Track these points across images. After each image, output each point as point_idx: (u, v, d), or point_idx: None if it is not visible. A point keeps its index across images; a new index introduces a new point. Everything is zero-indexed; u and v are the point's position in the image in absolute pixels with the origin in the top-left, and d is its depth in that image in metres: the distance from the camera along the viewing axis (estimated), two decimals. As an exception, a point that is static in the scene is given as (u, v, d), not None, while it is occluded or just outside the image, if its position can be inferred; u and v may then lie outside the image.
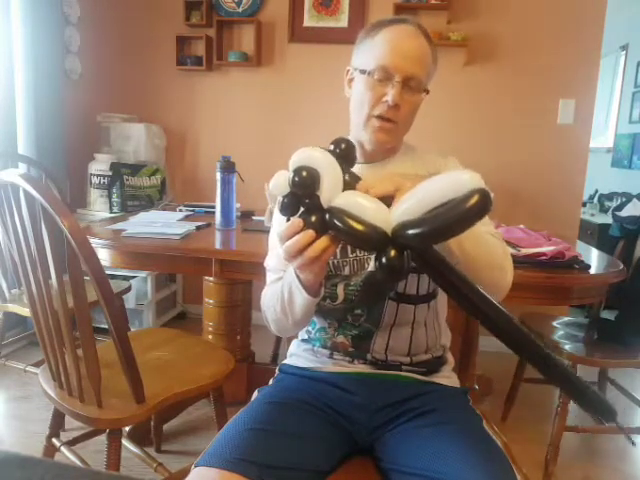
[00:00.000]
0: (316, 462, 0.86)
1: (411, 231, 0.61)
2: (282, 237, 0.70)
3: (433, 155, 1.07)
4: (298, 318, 0.90)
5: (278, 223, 1.04)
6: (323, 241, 0.68)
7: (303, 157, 0.68)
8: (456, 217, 0.58)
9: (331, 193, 0.66)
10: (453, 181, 0.60)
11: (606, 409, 0.66)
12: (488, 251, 0.84)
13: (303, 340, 1.08)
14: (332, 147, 0.72)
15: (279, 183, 0.69)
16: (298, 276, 0.83)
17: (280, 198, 0.69)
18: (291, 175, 0.67)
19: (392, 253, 0.62)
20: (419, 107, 1.00)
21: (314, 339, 1.04)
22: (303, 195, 0.68)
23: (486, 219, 0.89)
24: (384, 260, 0.63)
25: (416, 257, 0.65)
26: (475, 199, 0.57)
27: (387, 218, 0.64)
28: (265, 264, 1.06)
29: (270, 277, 1.03)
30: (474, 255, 0.80)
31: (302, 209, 0.69)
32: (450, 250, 0.78)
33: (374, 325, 0.98)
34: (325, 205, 0.67)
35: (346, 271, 0.98)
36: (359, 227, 0.63)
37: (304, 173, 0.66)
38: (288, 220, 0.71)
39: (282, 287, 0.89)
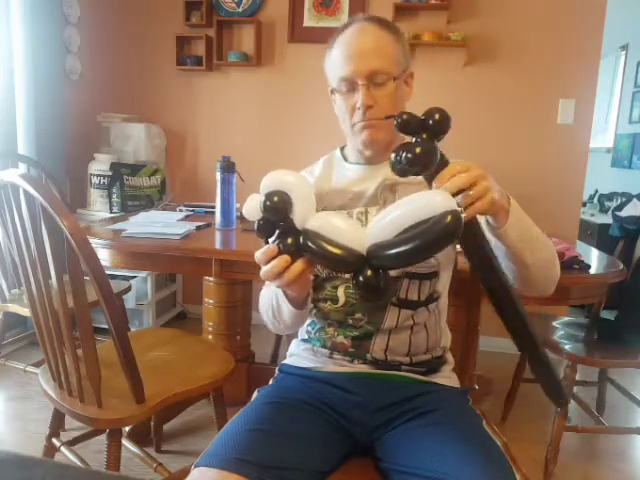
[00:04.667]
0: (316, 462, 0.86)
1: (387, 252, 0.62)
2: (259, 261, 0.71)
3: None
4: (289, 324, 0.95)
5: None
6: (299, 265, 0.68)
7: (274, 181, 0.68)
8: (431, 238, 0.59)
9: (304, 215, 0.67)
10: (426, 202, 0.61)
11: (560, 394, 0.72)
12: (549, 250, 0.90)
13: (303, 340, 1.08)
14: (424, 117, 0.72)
15: (251, 208, 0.69)
16: (283, 290, 0.85)
17: (255, 221, 0.70)
18: (262, 200, 0.68)
19: (369, 273, 0.63)
20: (404, 93, 0.99)
21: (314, 339, 1.04)
22: (276, 219, 0.68)
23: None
24: (361, 279, 0.63)
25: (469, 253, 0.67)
26: (448, 220, 0.58)
27: (361, 238, 0.64)
28: None
29: None
30: (542, 257, 0.87)
31: (277, 232, 0.69)
32: (524, 259, 0.83)
33: (375, 328, 0.98)
34: (299, 227, 0.67)
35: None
36: (333, 250, 0.64)
37: (275, 198, 0.67)
38: (266, 242, 0.71)
39: (272, 295, 0.92)
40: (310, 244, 0.65)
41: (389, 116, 0.76)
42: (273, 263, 0.69)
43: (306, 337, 1.07)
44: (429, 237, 0.59)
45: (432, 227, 0.59)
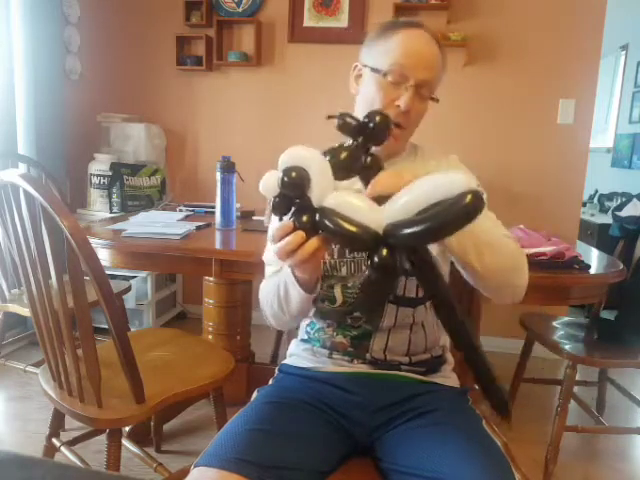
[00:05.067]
0: (316, 462, 0.86)
1: (404, 231, 0.60)
2: (274, 238, 0.70)
3: (437, 153, 1.06)
4: (294, 314, 0.92)
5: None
6: (313, 242, 0.67)
7: (292, 157, 0.67)
8: (449, 218, 0.58)
9: (321, 193, 0.65)
10: (446, 181, 0.59)
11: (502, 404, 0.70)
12: (506, 256, 0.85)
13: (302, 340, 1.08)
14: (365, 120, 0.70)
15: (269, 184, 0.68)
16: (294, 272, 0.83)
17: (271, 198, 0.69)
18: (280, 176, 0.66)
19: (384, 252, 0.62)
20: (423, 115, 1.00)
21: (313, 339, 1.04)
22: (293, 195, 0.67)
23: (494, 218, 0.91)
24: (376, 259, 0.62)
25: (411, 259, 0.65)
26: (468, 200, 0.57)
27: (378, 217, 0.63)
28: (263, 257, 1.07)
29: (268, 270, 1.04)
30: (494, 264, 0.81)
31: (293, 209, 0.68)
32: (471, 264, 0.79)
33: (373, 327, 0.98)
34: (316, 205, 0.66)
35: (343, 272, 0.98)
36: (349, 227, 0.62)
37: (293, 174, 0.65)
38: (281, 220, 0.70)
39: (279, 283, 0.91)
40: (326, 222, 0.64)
41: (330, 116, 0.75)
42: (288, 239, 0.68)
43: (305, 337, 1.07)
44: (448, 216, 0.58)
45: (451, 206, 0.57)
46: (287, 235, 0.68)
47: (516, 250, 0.87)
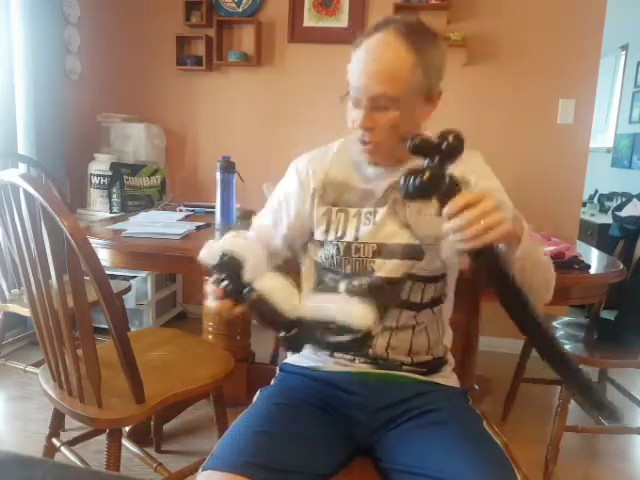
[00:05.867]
0: (319, 464, 0.86)
1: (312, 332, 0.75)
2: (207, 294, 0.87)
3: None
4: None
5: (280, 187, 1.11)
6: (238, 310, 0.84)
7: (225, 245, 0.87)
8: (344, 343, 0.74)
9: (254, 276, 0.80)
10: (351, 317, 0.73)
11: (611, 409, 0.72)
12: (547, 272, 0.91)
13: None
14: (437, 141, 0.70)
15: (211, 252, 0.88)
16: None
17: (228, 290, 0.83)
18: (218, 259, 0.86)
19: (292, 332, 0.76)
20: (415, 115, 0.94)
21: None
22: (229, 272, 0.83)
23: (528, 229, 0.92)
24: (283, 334, 0.76)
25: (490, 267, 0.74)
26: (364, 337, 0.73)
27: (295, 306, 0.77)
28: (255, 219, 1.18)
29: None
30: (540, 280, 0.89)
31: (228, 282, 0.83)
32: (523, 280, 0.82)
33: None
34: (248, 281, 0.80)
35: (348, 270, 0.98)
36: (272, 314, 0.78)
37: (226, 258, 0.85)
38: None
39: None
40: (252, 300, 0.79)
41: (402, 139, 0.76)
42: (221, 305, 0.84)
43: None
44: (347, 345, 0.74)
45: (353, 342, 0.72)
46: (218, 296, 0.84)
47: (550, 270, 0.92)
